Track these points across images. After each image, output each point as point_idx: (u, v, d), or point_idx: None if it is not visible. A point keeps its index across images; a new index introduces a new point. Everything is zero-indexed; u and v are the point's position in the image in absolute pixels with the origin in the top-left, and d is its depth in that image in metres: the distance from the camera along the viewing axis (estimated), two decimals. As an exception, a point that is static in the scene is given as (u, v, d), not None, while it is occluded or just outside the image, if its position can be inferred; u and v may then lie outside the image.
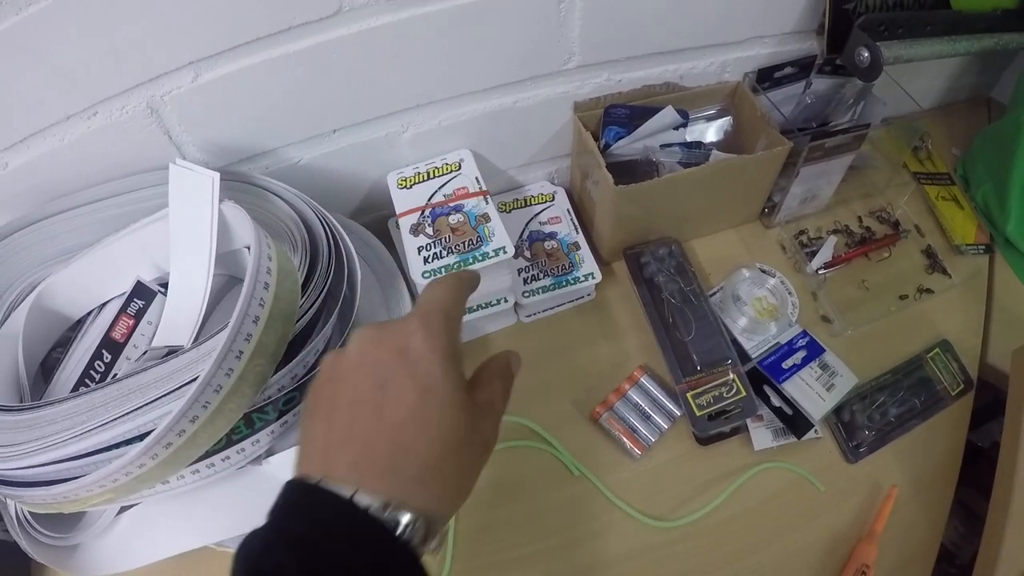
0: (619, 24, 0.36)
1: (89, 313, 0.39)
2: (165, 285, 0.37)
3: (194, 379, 0.26)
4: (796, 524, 0.36)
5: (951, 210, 0.51)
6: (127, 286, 0.38)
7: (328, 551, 0.16)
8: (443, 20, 0.32)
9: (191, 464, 0.29)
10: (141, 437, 0.26)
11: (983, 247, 0.49)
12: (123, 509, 0.35)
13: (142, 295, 0.37)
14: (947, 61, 0.52)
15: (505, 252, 0.34)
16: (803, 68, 0.45)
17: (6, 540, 0.39)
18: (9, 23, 0.28)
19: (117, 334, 0.37)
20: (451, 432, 0.18)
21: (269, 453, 0.32)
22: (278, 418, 0.31)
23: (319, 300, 0.31)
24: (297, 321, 0.30)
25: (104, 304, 0.39)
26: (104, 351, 0.36)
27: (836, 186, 0.46)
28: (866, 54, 0.39)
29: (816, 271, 0.45)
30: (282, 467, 0.31)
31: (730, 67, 0.43)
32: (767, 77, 0.44)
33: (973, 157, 0.52)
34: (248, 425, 0.30)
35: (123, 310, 0.37)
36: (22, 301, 0.37)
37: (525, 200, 0.44)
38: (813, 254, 0.45)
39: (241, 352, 0.27)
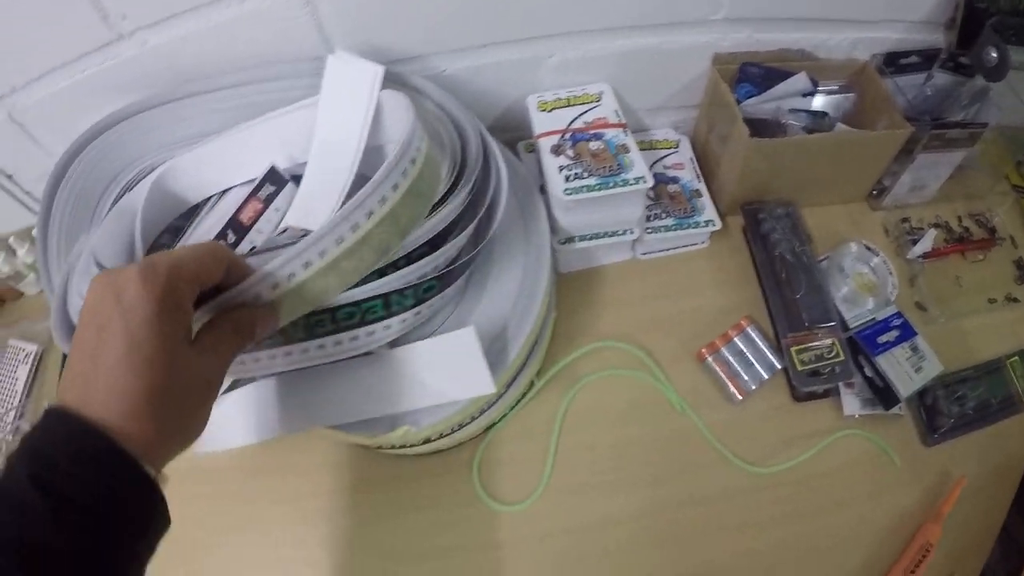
0: None
1: (208, 200, 0.43)
2: (296, 177, 0.42)
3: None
4: (870, 494, 0.42)
5: None
6: (252, 174, 0.42)
7: (51, 462, 0.20)
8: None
9: (316, 339, 0.33)
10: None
11: None
12: (229, 389, 0.39)
13: (275, 181, 0.42)
14: None
15: (645, 182, 0.40)
16: (927, 59, 0.51)
17: None
18: None
19: (245, 216, 0.41)
20: (161, 377, 0.22)
21: (394, 344, 0.37)
22: (414, 305, 0.35)
23: (464, 202, 0.36)
24: (438, 213, 0.35)
25: (226, 191, 0.43)
26: (229, 231, 0.41)
27: (943, 181, 0.53)
28: (994, 54, 0.46)
29: (916, 258, 0.51)
30: (413, 360, 0.36)
31: (861, 45, 0.49)
32: (893, 62, 0.50)
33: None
34: (385, 307, 0.35)
35: (253, 194, 0.41)
36: (140, 180, 0.42)
37: (651, 143, 0.50)
38: (914, 242, 0.52)
39: (371, 212, 0.30)
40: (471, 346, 0.33)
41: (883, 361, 0.44)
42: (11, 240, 0.53)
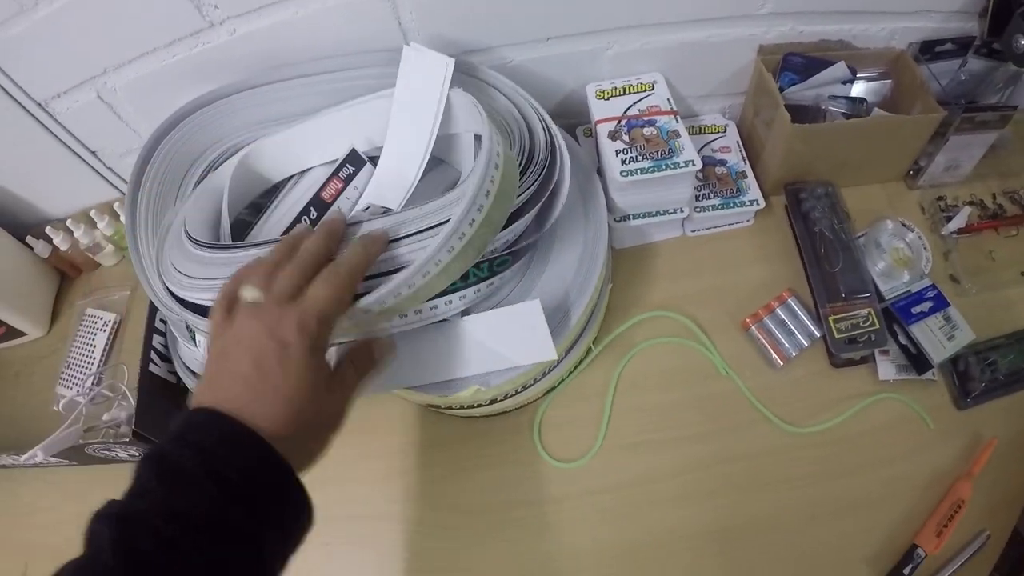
0: None
1: (288, 179, 0.53)
2: (371, 159, 0.51)
3: (425, 230, 0.38)
4: (905, 454, 0.51)
5: None
6: (333, 155, 0.52)
7: (220, 457, 0.27)
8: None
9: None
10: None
11: None
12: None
13: (355, 162, 0.51)
14: None
15: (694, 164, 0.49)
16: (962, 46, 0.60)
17: (169, 381, 0.54)
18: None
19: (326, 193, 0.51)
20: (301, 411, 0.30)
21: (465, 313, 0.46)
22: (488, 278, 0.44)
23: (534, 187, 0.45)
24: (516, 199, 0.44)
25: (305, 172, 0.53)
26: (312, 207, 0.50)
27: (976, 161, 0.62)
28: (1023, 41, 0.54)
29: (950, 234, 0.60)
30: (483, 328, 0.45)
31: (898, 35, 0.58)
32: (928, 50, 0.59)
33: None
34: (463, 279, 0.44)
35: (335, 173, 0.51)
36: (224, 160, 0.51)
37: (700, 128, 0.59)
38: (949, 219, 0.60)
39: (473, 220, 0.40)
40: (536, 317, 0.42)
41: (917, 330, 0.53)
42: (92, 213, 0.63)
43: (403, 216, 0.39)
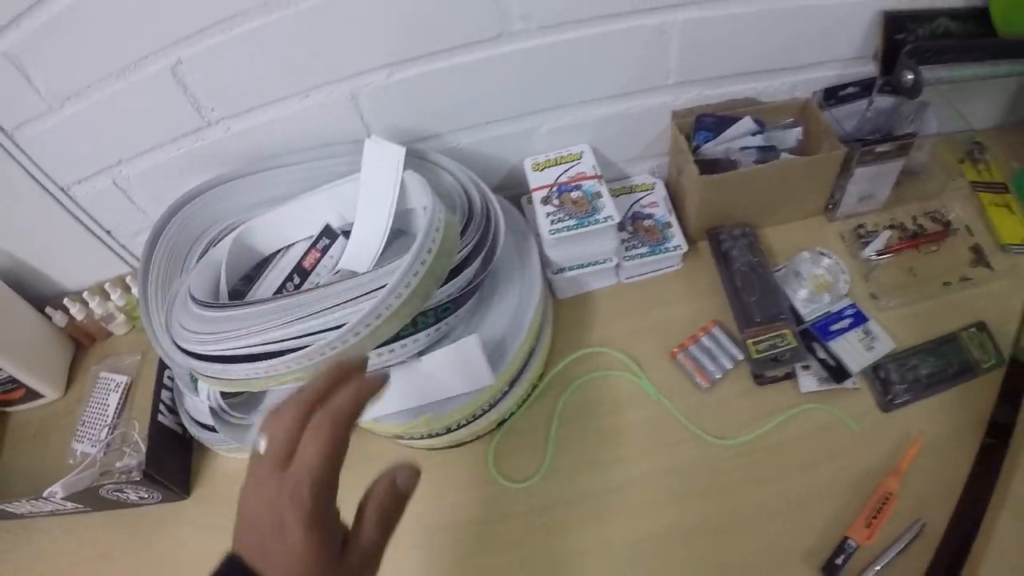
0: (707, 52, 0.69)
1: (276, 252, 0.72)
2: (345, 232, 0.70)
3: (382, 287, 0.55)
4: (833, 457, 0.65)
5: (1002, 215, 0.82)
6: (314, 231, 0.70)
7: None
8: (577, 45, 0.65)
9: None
10: (331, 329, 0.55)
11: None
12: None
13: (329, 236, 0.70)
14: (1003, 85, 0.83)
15: (612, 220, 0.66)
16: (865, 87, 0.77)
17: (176, 431, 0.73)
18: (254, 24, 0.60)
19: (307, 263, 0.70)
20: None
21: (421, 353, 0.62)
22: (435, 323, 0.61)
23: (472, 244, 0.63)
24: (456, 255, 0.61)
25: (290, 245, 0.72)
26: (295, 275, 0.69)
27: (890, 188, 0.77)
28: (910, 76, 0.71)
29: (868, 257, 0.75)
30: (432, 364, 0.61)
31: (800, 86, 0.75)
32: (832, 95, 0.76)
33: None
34: (413, 325, 0.61)
35: (313, 245, 0.70)
36: (223, 237, 0.70)
37: (631, 188, 0.77)
38: (867, 244, 0.76)
39: (417, 272, 0.57)
40: (475, 349, 0.59)
41: (835, 345, 0.69)
42: (106, 286, 0.83)
43: (366, 277, 0.57)
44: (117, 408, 0.81)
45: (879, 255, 0.76)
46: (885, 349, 0.69)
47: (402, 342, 0.60)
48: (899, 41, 0.73)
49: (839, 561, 0.59)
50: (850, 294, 0.73)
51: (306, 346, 0.53)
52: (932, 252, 0.78)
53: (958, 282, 0.75)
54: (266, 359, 0.54)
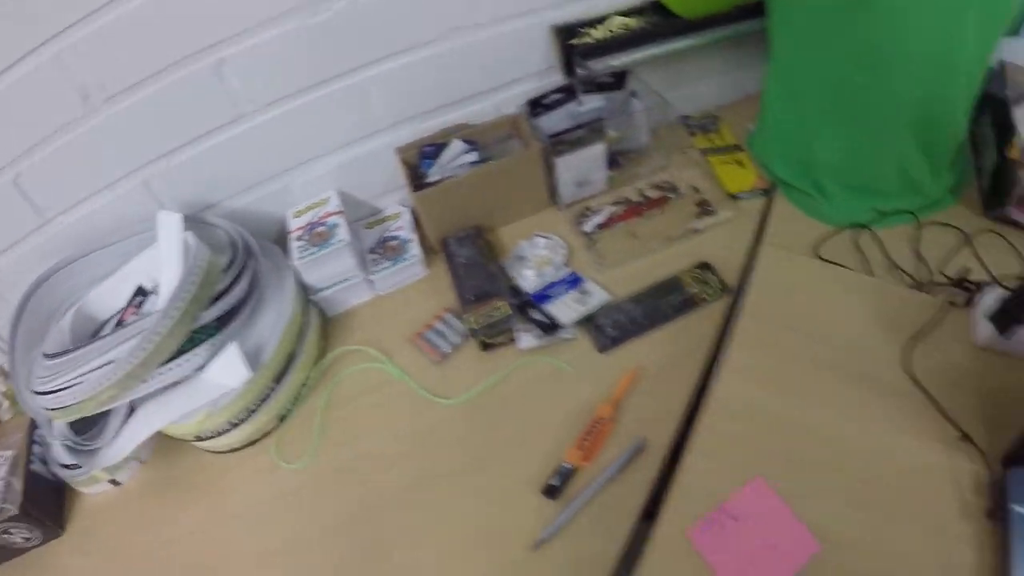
0: (406, 95, 1.00)
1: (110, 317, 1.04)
2: (154, 290, 1.02)
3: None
4: (555, 398, 0.87)
5: (731, 171, 1.06)
6: (130, 293, 1.03)
7: None
8: (299, 112, 0.98)
9: (156, 367, 0.89)
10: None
11: (761, 191, 1.03)
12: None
13: (142, 294, 1.02)
14: (721, 70, 1.11)
15: (344, 241, 0.95)
16: (568, 92, 1.05)
17: (47, 477, 1.02)
18: (79, 131, 0.96)
19: (126, 317, 1.01)
20: None
21: (201, 367, 0.90)
22: (209, 338, 0.90)
23: (237, 277, 0.92)
24: (221, 288, 0.91)
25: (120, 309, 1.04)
26: (119, 326, 1.00)
27: (604, 171, 1.03)
28: (580, 70, 0.99)
29: (590, 232, 1.00)
30: (212, 372, 0.90)
31: (504, 104, 1.05)
32: (538, 104, 1.04)
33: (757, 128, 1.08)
34: (191, 342, 0.90)
35: (130, 304, 1.01)
36: (68, 310, 1.03)
37: (383, 219, 1.08)
38: (590, 221, 1.01)
39: (184, 298, 0.87)
40: (234, 353, 0.87)
41: (551, 306, 0.93)
42: (-7, 378, 1.16)
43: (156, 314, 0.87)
44: (5, 476, 1.11)
45: (601, 228, 1.01)
46: (599, 302, 0.93)
47: (186, 356, 0.88)
48: (572, 46, 1.02)
49: (555, 483, 0.80)
50: (572, 264, 0.98)
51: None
52: (655, 216, 1.02)
53: (683, 234, 0.99)
54: (79, 384, 0.84)
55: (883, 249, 0.94)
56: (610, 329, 0.91)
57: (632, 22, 1.02)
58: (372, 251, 1.03)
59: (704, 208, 1.01)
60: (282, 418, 0.95)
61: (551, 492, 0.80)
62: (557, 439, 0.84)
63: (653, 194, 1.04)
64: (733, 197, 1.03)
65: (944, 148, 0.94)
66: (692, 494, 0.73)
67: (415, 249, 1.02)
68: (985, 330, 0.79)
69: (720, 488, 0.73)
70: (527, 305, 0.94)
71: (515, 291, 0.96)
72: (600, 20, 1.02)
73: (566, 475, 0.81)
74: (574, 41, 1.02)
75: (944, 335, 0.82)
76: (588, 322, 0.92)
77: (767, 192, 1.03)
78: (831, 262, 0.92)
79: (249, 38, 0.89)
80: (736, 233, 1.00)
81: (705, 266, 0.95)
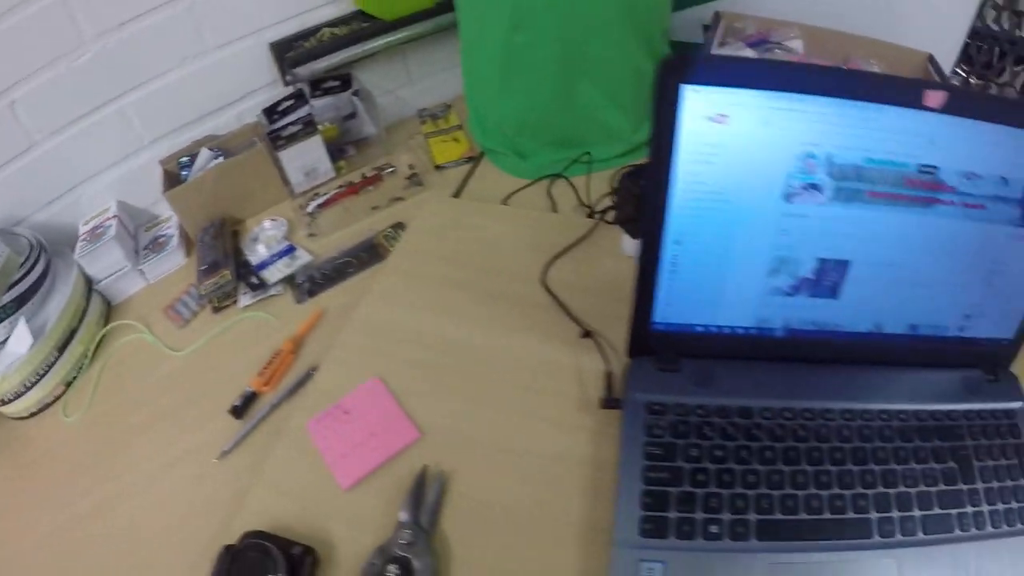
0: (158, 115, 1.43)
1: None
2: None
3: None
4: (259, 343, 1.23)
5: (446, 147, 1.44)
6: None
7: None
8: (72, 140, 1.40)
9: None
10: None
11: (466, 160, 1.39)
12: None
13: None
14: (435, 64, 1.49)
15: (110, 237, 1.37)
16: (299, 97, 1.44)
17: None
18: None
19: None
20: None
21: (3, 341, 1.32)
22: (5, 319, 1.31)
23: (31, 269, 1.33)
24: (18, 276, 1.33)
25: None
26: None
27: (328, 160, 1.41)
28: (289, 77, 1.38)
29: (311, 212, 1.38)
30: (9, 344, 1.31)
31: (245, 114, 1.45)
32: (273, 112, 1.44)
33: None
34: None
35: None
36: None
37: (159, 223, 1.50)
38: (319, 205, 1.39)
39: None
40: (21, 326, 1.28)
41: (265, 272, 1.31)
42: None
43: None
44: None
45: (321, 208, 1.38)
46: (302, 262, 1.30)
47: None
48: (290, 58, 1.41)
49: (238, 404, 1.17)
50: (293, 239, 1.36)
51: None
52: (371, 192, 1.39)
53: (389, 203, 1.36)
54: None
55: (576, 193, 1.27)
56: (306, 284, 1.28)
57: (339, 31, 1.42)
58: (145, 248, 1.45)
59: (413, 180, 1.37)
60: (68, 384, 1.35)
61: (236, 412, 1.16)
62: (252, 373, 1.20)
63: (371, 174, 1.40)
64: (439, 168, 1.38)
65: (630, 95, 1.27)
66: (319, 396, 1.07)
67: (175, 241, 1.42)
68: (627, 240, 1.10)
69: (343, 391, 1.06)
70: (249, 273, 1.32)
71: (245, 264, 1.34)
72: (312, 33, 1.42)
73: (248, 398, 1.17)
74: (290, 54, 1.41)
75: (599, 251, 1.15)
76: (292, 281, 1.29)
77: (472, 160, 1.38)
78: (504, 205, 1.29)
79: (34, 79, 1.32)
80: (439, 198, 1.35)
81: (399, 225, 1.31)
